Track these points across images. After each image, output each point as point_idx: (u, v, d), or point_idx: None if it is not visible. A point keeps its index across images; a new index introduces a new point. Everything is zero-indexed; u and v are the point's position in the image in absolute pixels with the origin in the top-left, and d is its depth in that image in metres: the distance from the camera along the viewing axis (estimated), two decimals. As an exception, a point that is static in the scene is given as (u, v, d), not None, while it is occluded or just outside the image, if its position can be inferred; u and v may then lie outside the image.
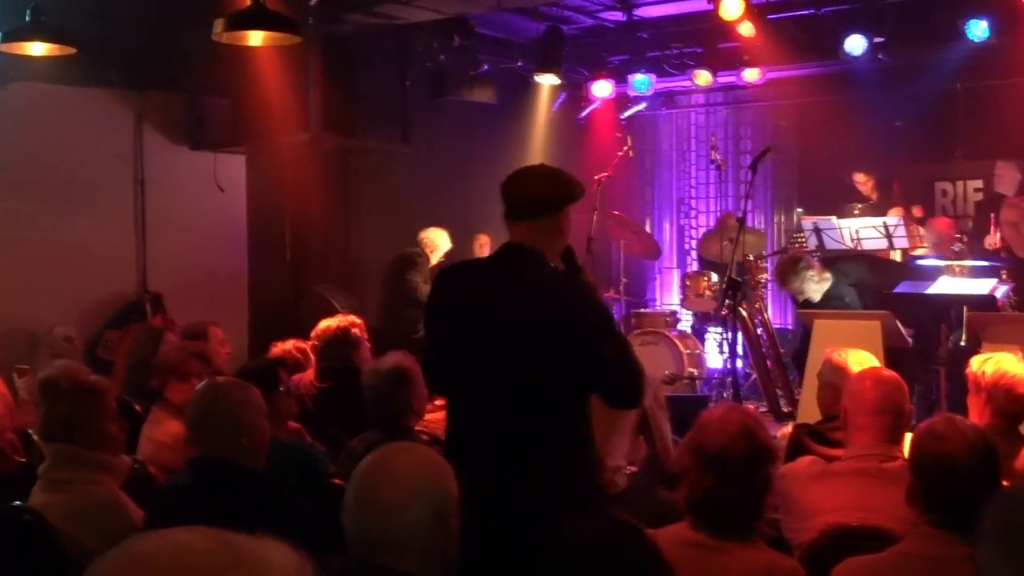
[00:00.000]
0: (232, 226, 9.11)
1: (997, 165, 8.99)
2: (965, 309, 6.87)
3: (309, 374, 5.60)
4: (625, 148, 9.73)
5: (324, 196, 9.30)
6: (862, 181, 9.72)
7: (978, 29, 8.37)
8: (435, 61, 9.61)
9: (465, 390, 3.41)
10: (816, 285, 7.37)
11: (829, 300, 7.41)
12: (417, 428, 4.67)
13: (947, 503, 2.65)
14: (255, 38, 6.08)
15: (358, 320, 5.74)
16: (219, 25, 5.82)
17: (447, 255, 9.06)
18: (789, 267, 7.45)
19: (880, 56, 9.06)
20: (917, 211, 9.44)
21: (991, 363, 3.89)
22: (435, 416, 5.09)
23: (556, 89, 10.64)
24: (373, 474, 2.30)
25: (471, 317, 3.37)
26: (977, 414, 3.89)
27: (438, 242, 9.00)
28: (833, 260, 7.77)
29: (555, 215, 3.47)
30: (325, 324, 5.65)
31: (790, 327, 10.95)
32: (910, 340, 6.85)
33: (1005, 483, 2.76)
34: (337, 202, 9.51)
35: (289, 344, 5.99)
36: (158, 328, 6.81)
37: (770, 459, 2.84)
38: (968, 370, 4.01)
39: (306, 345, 5.76)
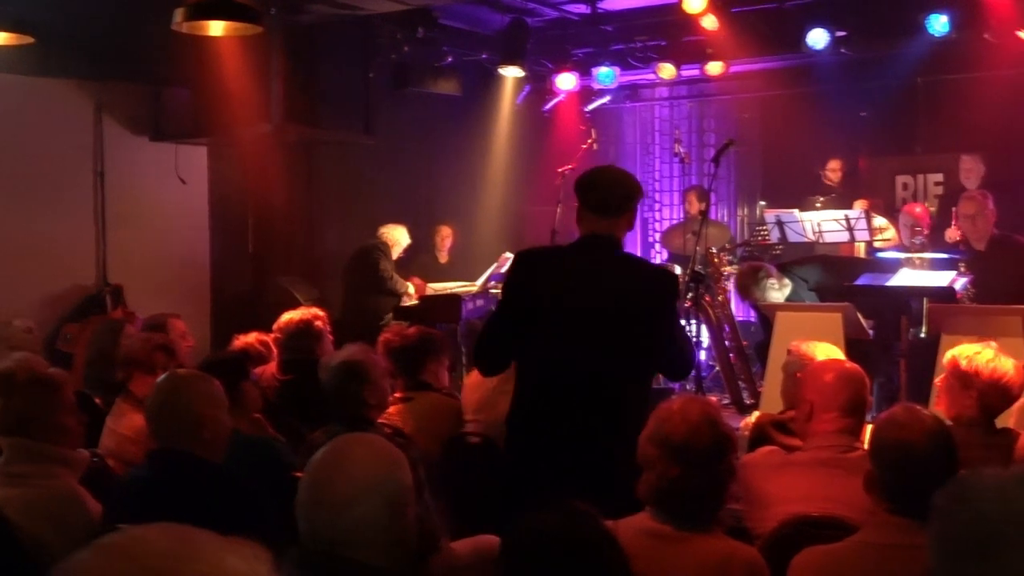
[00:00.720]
0: (194, 218, 9.04)
1: (962, 159, 9.07)
2: (925, 301, 6.93)
3: (271, 366, 5.58)
4: (589, 141, 9.73)
5: (287, 188, 9.25)
6: (834, 168, 9.78)
7: (938, 24, 8.44)
8: (399, 52, 9.57)
9: (554, 363, 3.78)
10: (777, 292, 7.39)
11: None
12: (381, 420, 4.67)
13: (904, 491, 2.68)
14: (216, 28, 6.02)
15: (321, 312, 5.72)
16: (179, 15, 5.76)
17: (405, 250, 9.04)
18: (749, 277, 7.45)
19: (842, 50, 9.12)
20: (862, 203, 9.48)
21: (982, 356, 3.88)
22: (399, 408, 5.09)
23: (520, 81, 10.63)
24: (326, 466, 2.30)
25: (573, 297, 3.79)
26: (957, 405, 3.88)
27: (398, 238, 8.98)
28: (789, 266, 7.79)
29: (632, 211, 3.93)
30: (288, 317, 5.62)
31: (753, 320, 11.00)
32: (871, 332, 6.90)
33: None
34: (300, 194, 9.46)
35: (251, 336, 5.96)
36: (118, 321, 6.75)
37: (732, 448, 2.88)
38: (947, 362, 4.01)
39: (268, 337, 5.73)
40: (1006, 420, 4.24)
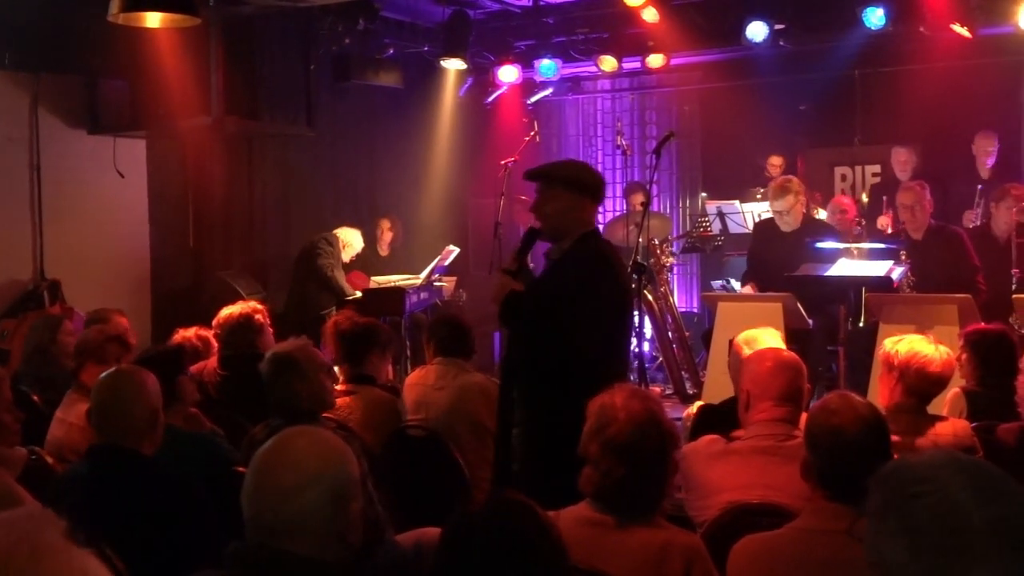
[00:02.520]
0: (132, 212, 8.92)
1: (895, 151, 9.21)
2: (864, 290, 7.03)
3: (212, 361, 5.53)
4: (532, 133, 9.74)
5: (227, 181, 9.16)
6: (776, 164, 9.88)
7: (875, 17, 8.54)
8: (340, 45, 9.51)
9: None
10: None
11: None
12: (326, 415, 4.64)
13: (837, 476, 2.72)
14: (152, 19, 5.93)
15: (260, 306, 5.68)
16: (115, 5, 5.66)
17: (357, 255, 8.99)
18: None
19: (781, 43, 9.19)
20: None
21: (904, 344, 3.98)
22: (342, 402, 5.06)
23: (462, 74, 10.61)
24: (271, 458, 2.28)
25: None
26: (888, 393, 3.97)
27: (351, 240, 8.91)
28: None
29: None
30: (227, 311, 5.57)
31: (696, 310, 11.11)
32: (811, 321, 7.00)
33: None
34: (240, 187, 9.36)
35: (191, 331, 5.91)
36: (55, 316, 6.65)
37: (676, 444, 2.91)
38: (879, 351, 4.10)
39: (208, 332, 5.68)
40: (940, 408, 4.33)
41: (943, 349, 3.95)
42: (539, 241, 4.44)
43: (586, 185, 4.35)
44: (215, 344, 5.62)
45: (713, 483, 3.45)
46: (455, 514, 2.15)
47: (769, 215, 8.01)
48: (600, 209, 12.00)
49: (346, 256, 8.91)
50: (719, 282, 9.28)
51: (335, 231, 8.94)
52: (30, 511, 1.30)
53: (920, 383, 3.88)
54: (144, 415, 3.35)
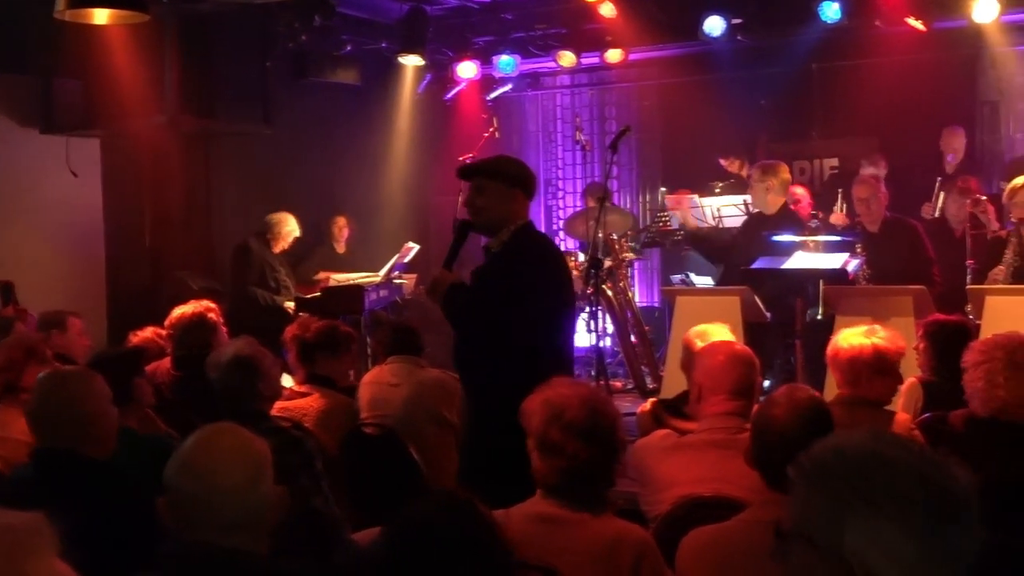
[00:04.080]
0: (87, 212, 8.82)
1: (863, 164, 9.19)
2: (821, 283, 7.07)
3: (165, 362, 5.49)
4: (491, 129, 9.72)
5: (184, 179, 9.07)
6: (727, 164, 9.91)
7: (831, 11, 8.58)
8: (297, 42, 9.41)
9: None
10: None
11: None
12: (276, 414, 4.61)
13: (771, 464, 2.74)
14: (100, 16, 5.86)
15: (213, 305, 5.64)
16: (61, 2, 5.60)
17: (296, 241, 8.89)
18: None
19: (738, 37, 9.23)
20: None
21: (844, 338, 4.05)
22: (297, 404, 5.04)
23: (421, 70, 10.57)
24: (188, 459, 2.29)
25: None
26: (838, 386, 4.02)
27: (284, 231, 8.75)
28: None
29: None
30: (180, 311, 5.54)
31: (657, 304, 11.13)
32: (768, 315, 7.03)
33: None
34: (197, 185, 9.28)
35: (147, 331, 5.86)
36: (7, 318, 6.57)
37: (622, 424, 2.96)
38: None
39: (164, 332, 5.64)
40: (896, 400, 4.36)
41: (879, 337, 3.97)
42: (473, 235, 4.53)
43: (517, 178, 4.44)
44: (170, 344, 5.57)
45: (666, 477, 3.45)
46: (396, 514, 2.14)
47: (735, 211, 8.07)
48: (560, 205, 12.13)
49: (281, 246, 8.75)
50: (678, 276, 9.29)
51: (267, 220, 8.73)
52: (22, 517, 1.31)
53: (839, 374, 3.94)
54: (86, 416, 3.30)
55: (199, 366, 5.06)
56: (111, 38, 7.64)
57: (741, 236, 7.74)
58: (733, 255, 7.61)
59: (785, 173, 7.64)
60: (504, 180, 4.38)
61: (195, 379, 5.12)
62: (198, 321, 5.45)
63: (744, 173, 9.75)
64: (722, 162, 9.91)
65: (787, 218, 7.63)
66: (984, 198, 7.84)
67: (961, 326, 4.75)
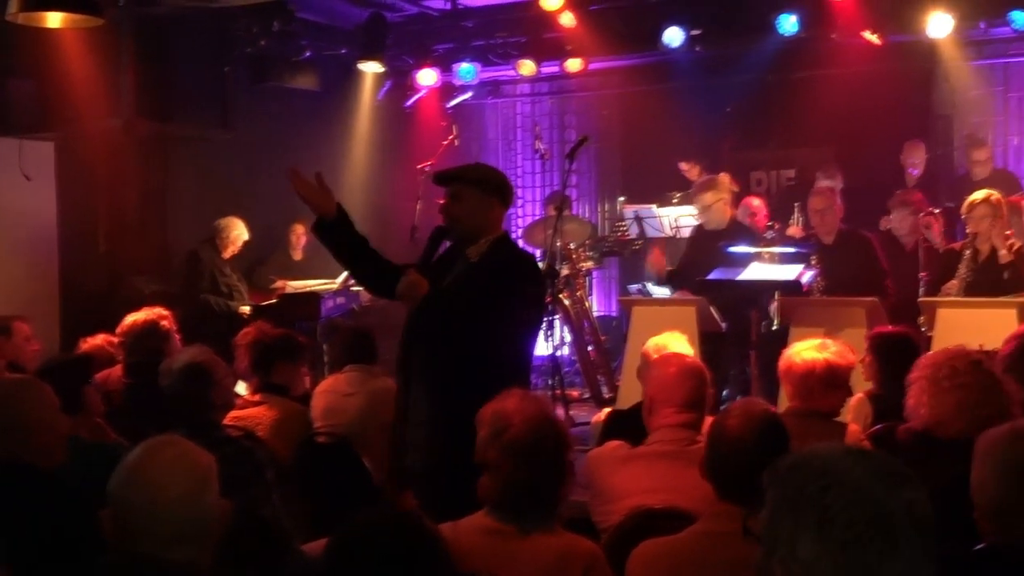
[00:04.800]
0: (40, 216, 8.70)
1: (818, 176, 9.26)
2: (777, 294, 7.12)
3: (117, 369, 5.43)
4: (451, 137, 9.72)
5: (139, 184, 8.97)
6: (687, 169, 9.95)
7: (788, 23, 8.66)
8: (255, 46, 9.36)
9: None
10: None
11: None
12: (229, 423, 4.58)
13: (725, 475, 2.76)
14: (53, 19, 5.78)
15: (166, 312, 5.58)
16: (13, 5, 5.51)
17: (245, 244, 8.83)
18: None
19: (697, 48, 9.28)
20: (725, 177, 9.64)
21: (794, 351, 4.08)
22: (250, 412, 5.00)
23: (380, 77, 10.53)
24: (136, 472, 2.26)
25: None
26: (788, 398, 4.05)
27: (233, 237, 8.69)
28: None
29: None
30: (132, 318, 5.48)
31: (615, 314, 11.16)
32: (723, 325, 7.06)
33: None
34: (154, 190, 9.18)
35: (99, 338, 5.80)
36: (-42, 324, 6.46)
37: (570, 445, 2.93)
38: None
39: (116, 339, 5.57)
40: (845, 413, 4.39)
41: (824, 353, 4.00)
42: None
43: (496, 186, 4.35)
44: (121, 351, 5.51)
45: (618, 488, 3.45)
46: (339, 528, 2.12)
47: (692, 220, 8.10)
48: (520, 213, 12.13)
49: (231, 252, 8.70)
50: (636, 286, 9.33)
51: (216, 225, 8.68)
52: None
53: (790, 386, 3.96)
54: (30, 425, 3.26)
55: (151, 374, 5.01)
56: (66, 40, 7.55)
57: (693, 250, 7.78)
58: (686, 268, 7.66)
59: (729, 182, 7.75)
60: (482, 188, 4.29)
61: (146, 387, 5.07)
62: (150, 328, 5.40)
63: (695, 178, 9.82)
64: (682, 166, 9.94)
65: (741, 230, 7.74)
66: (937, 211, 7.94)
67: (905, 338, 4.77)
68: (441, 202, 4.41)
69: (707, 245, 7.58)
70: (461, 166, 4.95)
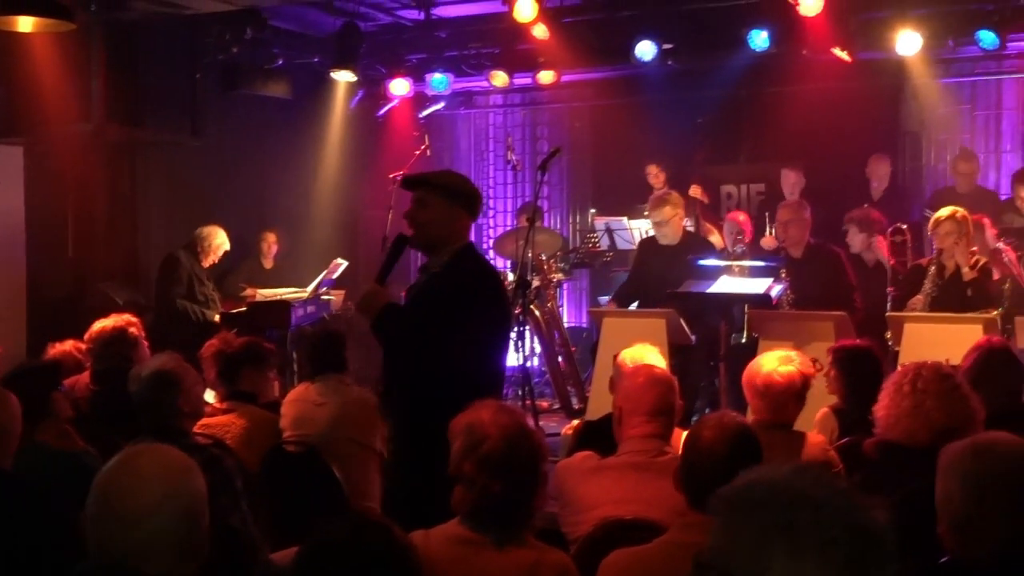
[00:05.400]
0: (8, 220, 8.61)
1: (784, 172, 9.42)
2: (746, 307, 7.17)
3: (85, 376, 5.39)
4: (423, 147, 9.72)
5: (108, 189, 8.91)
6: (654, 173, 9.99)
7: (759, 39, 8.72)
8: (227, 53, 9.34)
9: None
10: None
11: None
12: (197, 431, 4.54)
13: (698, 487, 2.76)
14: (25, 24, 5.76)
15: (135, 319, 5.54)
16: (-15, 9, 5.50)
17: (226, 254, 8.80)
18: None
19: (669, 62, 9.34)
20: (695, 189, 9.73)
21: (757, 363, 4.11)
22: (219, 420, 4.97)
23: (353, 86, 10.52)
24: (115, 481, 2.24)
25: None
26: (752, 411, 4.09)
27: (214, 245, 8.64)
28: None
29: None
30: (100, 325, 5.44)
31: (585, 325, 11.19)
32: (693, 338, 7.10)
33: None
34: (123, 196, 9.12)
35: (67, 344, 5.75)
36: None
37: (546, 456, 2.92)
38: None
39: (84, 345, 5.53)
40: (811, 427, 4.43)
41: (787, 366, 4.03)
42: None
43: (463, 195, 4.31)
44: (89, 358, 5.47)
45: (587, 499, 3.46)
46: (309, 536, 2.11)
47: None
48: (491, 224, 12.15)
49: (211, 260, 8.67)
50: (606, 298, 9.36)
51: (197, 234, 8.65)
52: None
53: (754, 398, 3.99)
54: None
55: (118, 381, 4.99)
56: (36, 44, 7.51)
57: (645, 263, 7.89)
58: (637, 281, 7.77)
59: (675, 198, 7.88)
60: (449, 196, 4.24)
61: (114, 394, 5.04)
62: (118, 335, 5.36)
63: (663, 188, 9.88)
64: (650, 169, 9.95)
65: (701, 243, 7.87)
66: (904, 227, 8.03)
67: (869, 352, 4.80)
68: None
69: (663, 259, 7.66)
70: (430, 172, 4.93)
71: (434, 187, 4.28)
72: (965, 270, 6.80)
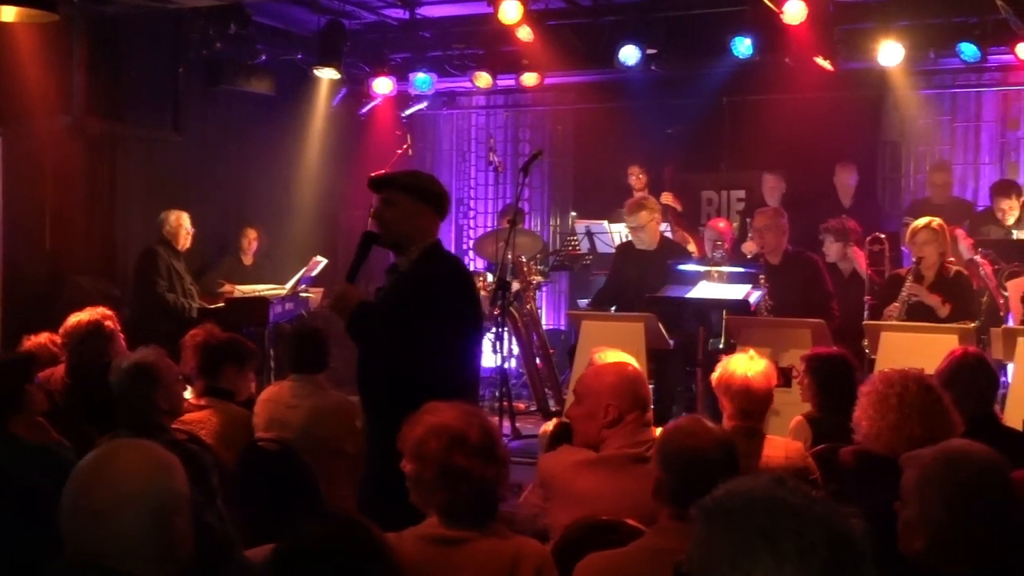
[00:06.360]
0: (-15, 212, 8.56)
1: (765, 177, 9.47)
2: (725, 313, 7.20)
3: (60, 369, 5.35)
4: (405, 146, 9.72)
5: (87, 183, 8.85)
6: (636, 175, 10.01)
7: (743, 46, 8.75)
8: (211, 49, 9.30)
9: None
10: None
11: None
12: (175, 426, 4.52)
13: (692, 496, 2.74)
14: (7, 13, 5.73)
15: (110, 312, 5.51)
16: (-34, -2, 5.47)
17: (195, 241, 8.75)
18: None
19: (652, 67, 9.36)
20: (668, 196, 9.78)
21: (720, 366, 4.12)
22: (195, 416, 4.95)
23: (336, 84, 10.50)
24: (89, 474, 2.21)
25: None
26: (727, 417, 4.09)
27: (178, 229, 8.60)
28: None
29: None
30: (75, 318, 5.40)
31: (563, 327, 11.20)
32: (671, 342, 7.12)
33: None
34: (101, 189, 9.07)
35: (42, 337, 5.71)
36: None
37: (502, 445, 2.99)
38: (712, 376, 4.22)
39: (59, 338, 5.50)
40: (785, 435, 4.45)
41: (759, 364, 4.06)
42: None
43: (429, 194, 4.34)
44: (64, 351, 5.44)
45: (580, 493, 3.43)
46: (285, 535, 2.11)
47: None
48: (472, 225, 12.15)
49: (182, 244, 8.64)
50: (585, 301, 9.38)
51: (161, 219, 8.61)
52: None
53: (731, 402, 4.01)
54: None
55: (93, 375, 4.97)
56: (17, 34, 7.46)
57: (623, 268, 7.93)
58: (622, 286, 7.80)
59: (652, 202, 7.94)
60: (415, 194, 4.27)
61: (89, 388, 5.02)
62: (94, 329, 5.33)
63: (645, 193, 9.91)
64: (632, 170, 9.98)
65: (677, 249, 7.90)
66: (883, 236, 8.07)
67: (841, 359, 4.82)
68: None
69: (641, 264, 7.70)
70: (397, 171, 4.96)
71: (401, 186, 4.33)
72: (938, 310, 6.83)
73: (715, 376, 4.10)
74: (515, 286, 8.41)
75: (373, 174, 4.57)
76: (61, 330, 5.47)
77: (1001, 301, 7.45)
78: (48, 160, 8.67)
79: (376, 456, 4.29)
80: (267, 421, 5.01)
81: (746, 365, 4.04)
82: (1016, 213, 8.37)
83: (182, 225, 8.57)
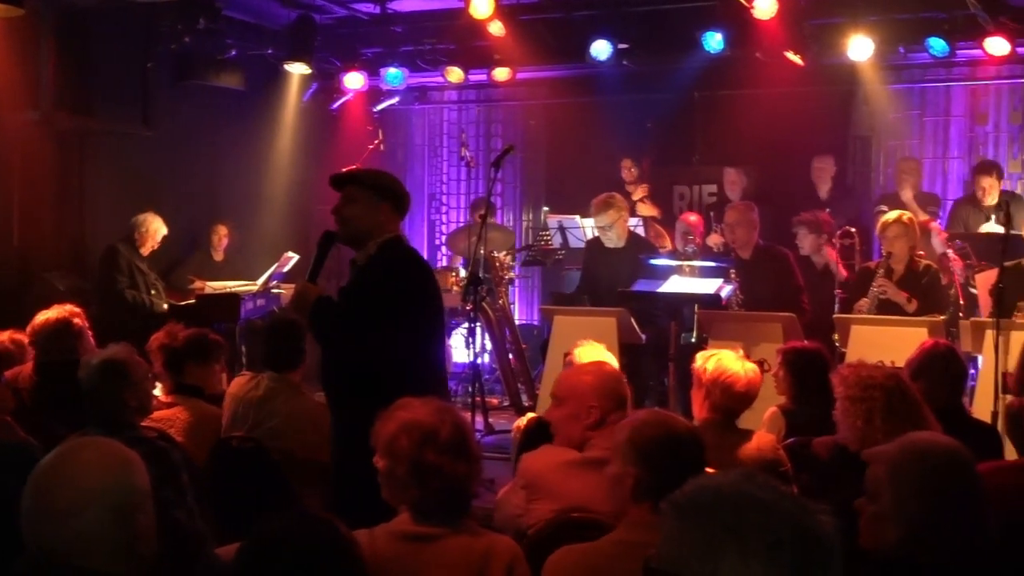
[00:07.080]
0: (-49, 208, 8.48)
1: (726, 171, 9.52)
2: (696, 307, 7.22)
3: (27, 367, 5.30)
4: (376, 141, 9.68)
5: (56, 178, 8.77)
6: (628, 167, 10.05)
7: (714, 41, 8.78)
8: (180, 43, 9.20)
9: None
10: None
11: None
12: (145, 424, 4.49)
13: (663, 489, 2.73)
14: (-28, 7, 5.67)
15: (78, 309, 5.46)
16: (-69, -10, 5.40)
17: (164, 241, 8.71)
18: None
19: (624, 62, 9.37)
20: (642, 190, 9.81)
21: (712, 360, 4.11)
22: (164, 414, 4.92)
23: (307, 79, 10.45)
24: (49, 473, 2.19)
25: None
26: (699, 407, 4.10)
27: (151, 231, 8.57)
28: None
29: None
30: (43, 316, 5.35)
31: (536, 323, 11.20)
32: (643, 337, 7.13)
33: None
34: (70, 185, 8.99)
35: (4, 335, 5.65)
36: None
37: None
38: (693, 366, 4.22)
39: (23, 336, 5.44)
40: (758, 426, 4.46)
41: (749, 366, 4.07)
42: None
43: (386, 190, 4.37)
44: (31, 349, 5.38)
45: (572, 494, 3.41)
46: (253, 531, 2.10)
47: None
48: (444, 220, 12.13)
49: (150, 247, 8.59)
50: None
51: (134, 221, 8.56)
52: None
53: (725, 400, 4.00)
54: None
55: (62, 373, 4.92)
56: (-18, 29, 7.39)
57: (594, 266, 7.96)
58: (595, 283, 7.82)
59: (619, 200, 7.98)
60: (374, 191, 4.30)
61: (57, 386, 4.97)
62: (63, 327, 5.28)
63: (635, 184, 9.94)
64: (625, 162, 10.00)
65: (645, 245, 7.92)
66: (853, 230, 8.12)
67: (817, 353, 4.86)
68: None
69: (611, 261, 7.73)
70: (357, 169, 4.98)
71: (361, 183, 4.36)
72: (906, 307, 6.88)
73: (707, 371, 4.04)
74: (487, 281, 8.41)
75: (334, 173, 4.56)
76: (29, 328, 5.42)
77: (963, 302, 7.50)
78: (16, 155, 8.58)
79: (341, 453, 4.29)
80: (232, 420, 4.96)
81: (742, 367, 4.03)
82: (996, 193, 8.45)
83: (152, 234, 8.53)
